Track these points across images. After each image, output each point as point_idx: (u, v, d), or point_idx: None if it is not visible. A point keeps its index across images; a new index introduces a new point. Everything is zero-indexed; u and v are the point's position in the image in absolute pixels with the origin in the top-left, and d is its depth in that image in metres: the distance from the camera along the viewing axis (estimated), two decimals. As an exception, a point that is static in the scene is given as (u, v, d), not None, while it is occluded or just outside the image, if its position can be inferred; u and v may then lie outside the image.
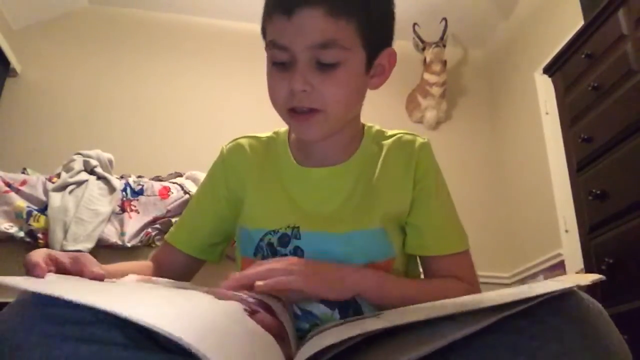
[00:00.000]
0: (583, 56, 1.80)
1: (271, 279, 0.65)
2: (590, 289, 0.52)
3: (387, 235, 0.78)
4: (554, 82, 2.02)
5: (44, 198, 1.87)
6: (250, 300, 0.61)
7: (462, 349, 0.48)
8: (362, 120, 0.88)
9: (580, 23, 1.96)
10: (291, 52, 0.71)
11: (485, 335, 0.48)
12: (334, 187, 0.81)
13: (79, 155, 2.16)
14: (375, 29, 0.75)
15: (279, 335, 0.57)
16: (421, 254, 0.83)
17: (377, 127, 0.89)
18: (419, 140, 0.85)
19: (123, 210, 1.93)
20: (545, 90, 2.86)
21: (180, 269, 0.88)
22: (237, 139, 0.91)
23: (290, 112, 0.74)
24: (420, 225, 0.81)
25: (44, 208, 1.84)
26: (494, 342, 0.47)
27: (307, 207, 0.80)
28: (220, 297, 0.59)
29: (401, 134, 0.86)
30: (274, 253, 0.78)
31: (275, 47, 0.72)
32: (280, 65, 0.73)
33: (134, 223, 1.90)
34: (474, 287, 0.79)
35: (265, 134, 0.91)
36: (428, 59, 3.25)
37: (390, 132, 0.88)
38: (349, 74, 0.73)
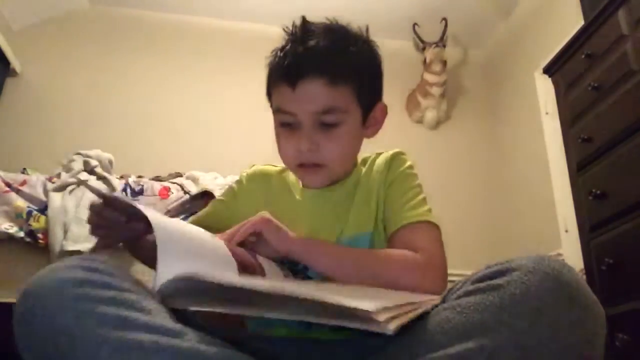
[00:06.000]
0: (583, 56, 1.80)
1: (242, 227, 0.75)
2: (591, 289, 0.53)
3: (374, 240, 0.85)
4: (554, 82, 2.02)
5: (44, 198, 1.87)
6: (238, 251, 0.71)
7: (445, 311, 0.53)
8: None
9: (580, 23, 1.96)
10: (297, 117, 0.82)
11: (467, 298, 0.52)
12: (322, 205, 0.90)
13: (79, 155, 2.16)
14: (368, 90, 0.86)
15: (247, 268, 0.66)
16: (388, 235, 0.86)
17: (365, 155, 0.97)
18: (392, 151, 0.95)
19: (123, 210, 1.93)
20: (545, 90, 2.86)
21: None
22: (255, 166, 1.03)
23: (298, 166, 0.86)
24: (386, 210, 0.87)
25: (44, 208, 1.84)
26: (477, 303, 0.51)
27: (305, 226, 0.88)
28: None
29: (379, 153, 0.96)
30: None
31: (282, 112, 0.83)
32: (287, 125, 0.84)
33: (134, 223, 1.90)
34: (429, 256, 0.78)
35: (280, 165, 1.01)
36: (428, 59, 3.25)
37: (372, 154, 0.97)
38: (349, 130, 0.84)
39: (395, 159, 0.92)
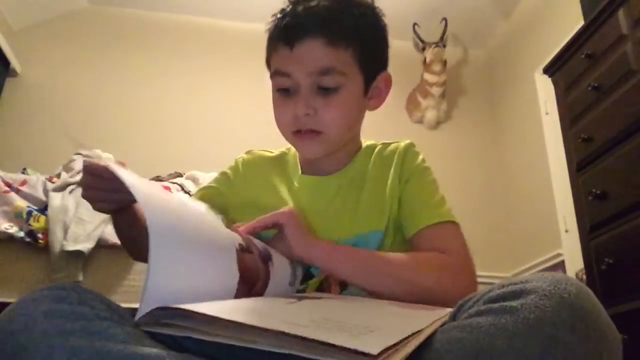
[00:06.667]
0: (583, 56, 1.80)
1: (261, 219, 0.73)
2: (591, 289, 0.52)
3: (384, 240, 0.81)
4: (554, 82, 2.02)
5: (44, 198, 1.87)
6: (259, 246, 0.68)
7: (454, 330, 0.49)
8: (366, 119, 0.90)
9: (580, 23, 1.96)
10: (294, 79, 0.78)
11: (478, 318, 0.49)
12: (323, 194, 0.86)
13: (79, 155, 2.17)
14: (371, 55, 0.82)
15: (250, 279, 0.62)
16: (409, 234, 0.82)
17: (370, 142, 0.93)
18: (403, 143, 0.90)
19: (123, 210, 1.93)
20: (545, 90, 2.86)
21: None
22: (251, 151, 0.99)
23: (294, 133, 0.82)
24: (404, 208, 0.83)
25: (44, 208, 1.84)
26: (488, 325, 0.47)
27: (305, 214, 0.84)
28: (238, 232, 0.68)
29: (387, 143, 0.92)
30: None
31: (279, 74, 0.79)
32: (284, 91, 0.80)
33: (134, 223, 1.90)
34: (458, 257, 0.76)
35: (277, 150, 0.98)
36: (428, 59, 3.25)
37: (379, 143, 0.93)
38: (349, 97, 0.80)
39: (409, 152, 0.88)
